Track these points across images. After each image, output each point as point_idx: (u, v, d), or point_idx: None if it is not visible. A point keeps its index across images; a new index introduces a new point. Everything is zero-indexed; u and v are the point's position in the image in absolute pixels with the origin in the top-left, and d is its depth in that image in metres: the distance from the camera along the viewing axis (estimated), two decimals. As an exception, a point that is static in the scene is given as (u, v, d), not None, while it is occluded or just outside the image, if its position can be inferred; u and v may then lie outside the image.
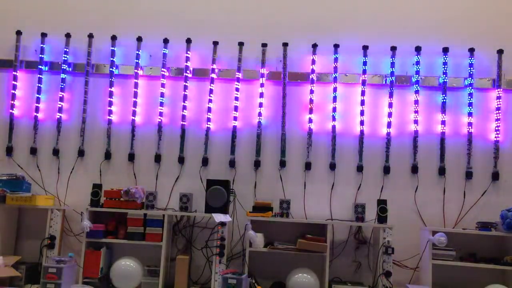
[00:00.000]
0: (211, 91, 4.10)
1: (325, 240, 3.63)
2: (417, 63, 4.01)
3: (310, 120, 4.03)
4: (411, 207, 3.95)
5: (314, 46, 4.08)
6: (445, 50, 4.01)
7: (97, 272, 3.66)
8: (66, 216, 4.00)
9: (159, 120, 4.11)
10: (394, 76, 4.02)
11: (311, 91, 4.04)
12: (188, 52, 4.15)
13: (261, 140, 4.06)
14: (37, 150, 4.13)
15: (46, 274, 3.27)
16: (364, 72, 4.04)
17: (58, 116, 4.13)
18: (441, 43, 4.03)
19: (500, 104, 3.94)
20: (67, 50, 4.19)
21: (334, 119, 4.02)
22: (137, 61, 4.15)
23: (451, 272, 3.68)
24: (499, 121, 3.93)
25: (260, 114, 4.06)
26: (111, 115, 4.13)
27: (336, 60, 4.06)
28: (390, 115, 4.00)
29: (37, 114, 4.14)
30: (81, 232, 3.80)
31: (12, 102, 4.15)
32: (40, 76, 4.17)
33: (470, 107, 3.96)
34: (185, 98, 4.11)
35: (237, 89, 4.09)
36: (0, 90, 4.23)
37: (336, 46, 4.07)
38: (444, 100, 3.98)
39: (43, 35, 4.21)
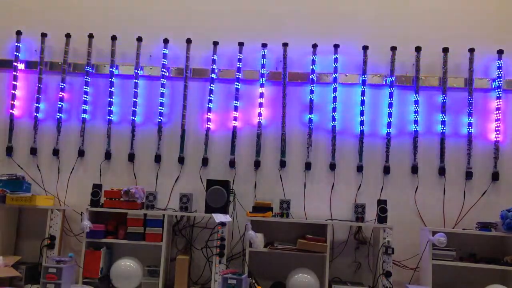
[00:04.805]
0: (211, 91, 4.10)
1: (325, 240, 3.64)
2: (417, 63, 4.01)
3: (310, 120, 4.03)
4: (411, 207, 3.95)
5: (314, 46, 4.08)
6: (445, 50, 4.01)
7: (97, 272, 3.66)
8: (66, 216, 4.00)
9: (159, 120, 4.11)
10: (394, 76, 4.03)
11: (311, 91, 4.04)
12: (188, 52, 4.15)
13: (261, 140, 4.06)
14: (37, 150, 4.13)
15: (46, 274, 3.27)
16: (364, 72, 4.04)
17: (58, 116, 4.13)
18: (441, 43, 4.03)
19: (500, 104, 3.94)
20: (67, 50, 4.19)
21: (334, 119, 4.02)
22: (137, 61, 4.16)
23: (451, 272, 3.69)
24: (499, 121, 3.93)
25: (260, 114, 4.06)
26: (111, 115, 4.13)
27: (336, 60, 4.06)
28: (390, 115, 4.00)
29: (37, 114, 4.14)
30: (81, 232, 3.80)
31: (12, 102, 4.15)
32: (40, 76, 4.17)
33: (470, 107, 3.96)
34: (185, 98, 4.11)
35: (237, 89, 4.09)
36: (0, 90, 4.23)
37: (336, 46, 4.06)
38: (444, 100, 3.98)
39: (43, 35, 4.21)
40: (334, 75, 4.05)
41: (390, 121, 3.99)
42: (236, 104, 4.07)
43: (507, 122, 3.98)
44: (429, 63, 4.07)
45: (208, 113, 4.09)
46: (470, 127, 3.94)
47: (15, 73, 4.17)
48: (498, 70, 3.97)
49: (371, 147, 4.02)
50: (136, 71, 4.15)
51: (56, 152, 4.12)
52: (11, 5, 4.33)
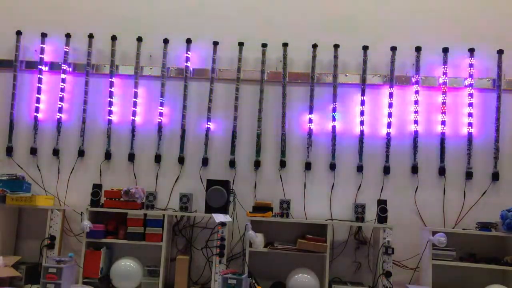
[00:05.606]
0: (211, 91, 4.10)
1: (325, 240, 3.64)
2: (417, 63, 4.01)
3: (310, 120, 4.03)
4: (411, 207, 3.95)
5: (314, 46, 4.08)
6: (445, 50, 4.01)
7: (97, 272, 3.66)
8: (66, 216, 4.00)
9: (159, 120, 4.11)
10: (394, 76, 4.02)
11: (312, 91, 4.04)
12: (188, 52, 4.15)
13: (261, 140, 4.06)
14: (37, 150, 4.13)
15: (46, 274, 3.27)
16: (365, 72, 4.04)
17: (58, 116, 4.13)
18: (441, 43, 4.03)
19: (500, 104, 3.94)
20: (67, 50, 4.19)
21: (334, 119, 4.02)
22: (137, 61, 4.16)
23: (451, 272, 3.69)
24: (499, 121, 3.93)
25: (260, 114, 4.06)
26: (111, 115, 4.13)
27: (336, 60, 4.06)
28: (390, 115, 4.00)
29: (37, 114, 4.14)
30: (81, 232, 3.80)
31: (12, 102, 4.15)
32: (40, 76, 4.17)
33: (470, 107, 3.96)
34: (185, 98, 4.11)
35: (237, 89, 4.09)
36: (0, 90, 4.23)
37: (336, 46, 4.06)
38: (444, 100, 3.98)
39: (43, 35, 4.21)
40: (334, 75, 4.05)
41: (390, 121, 3.99)
42: (236, 104, 4.07)
43: (507, 122, 3.98)
44: (429, 63, 4.07)
45: (208, 113, 4.09)
46: (470, 127, 3.94)
47: (15, 73, 4.17)
48: (498, 70, 3.97)
49: (371, 147, 4.02)
50: (136, 71, 4.15)
51: (56, 152, 4.11)
52: (11, 5, 4.33)
